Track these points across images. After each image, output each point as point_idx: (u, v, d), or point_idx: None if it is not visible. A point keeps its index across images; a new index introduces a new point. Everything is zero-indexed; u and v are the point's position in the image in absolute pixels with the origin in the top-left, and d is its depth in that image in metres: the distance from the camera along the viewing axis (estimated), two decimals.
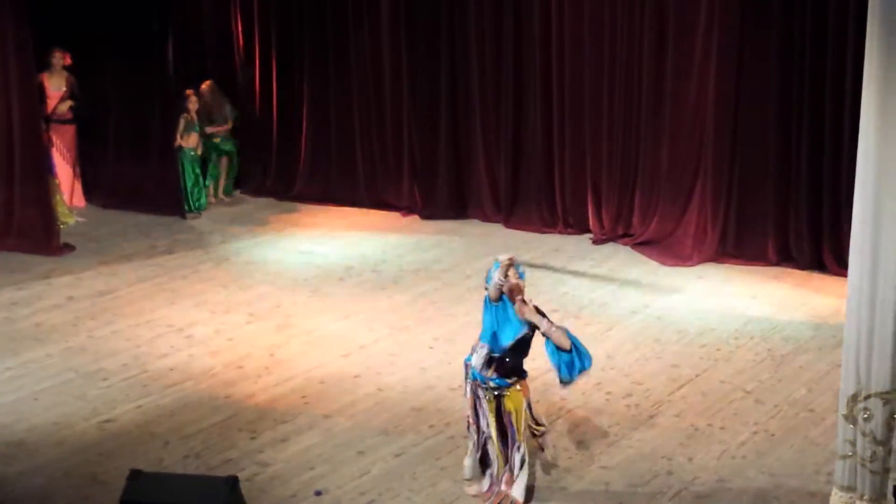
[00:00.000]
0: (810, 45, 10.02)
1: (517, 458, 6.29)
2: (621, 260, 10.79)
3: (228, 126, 12.97)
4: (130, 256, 10.93)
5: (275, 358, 8.46)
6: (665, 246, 10.89)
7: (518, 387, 6.25)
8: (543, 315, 6.22)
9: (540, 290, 9.89)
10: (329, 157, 12.93)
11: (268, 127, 13.25)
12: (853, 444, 5.88)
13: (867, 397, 5.79)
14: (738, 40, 10.40)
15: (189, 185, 12.45)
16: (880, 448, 5.81)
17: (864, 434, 5.82)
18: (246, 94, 13.25)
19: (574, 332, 8.75)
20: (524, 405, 6.26)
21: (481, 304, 9.58)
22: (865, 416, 5.80)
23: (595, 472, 6.80)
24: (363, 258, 10.85)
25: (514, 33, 11.61)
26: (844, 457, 5.95)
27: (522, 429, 6.25)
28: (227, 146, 12.96)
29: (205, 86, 12.81)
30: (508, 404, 6.24)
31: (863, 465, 5.86)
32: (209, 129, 12.75)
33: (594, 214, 11.48)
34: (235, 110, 13.02)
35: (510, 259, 6.19)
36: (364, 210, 12.50)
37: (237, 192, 13.18)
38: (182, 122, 12.44)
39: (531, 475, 6.49)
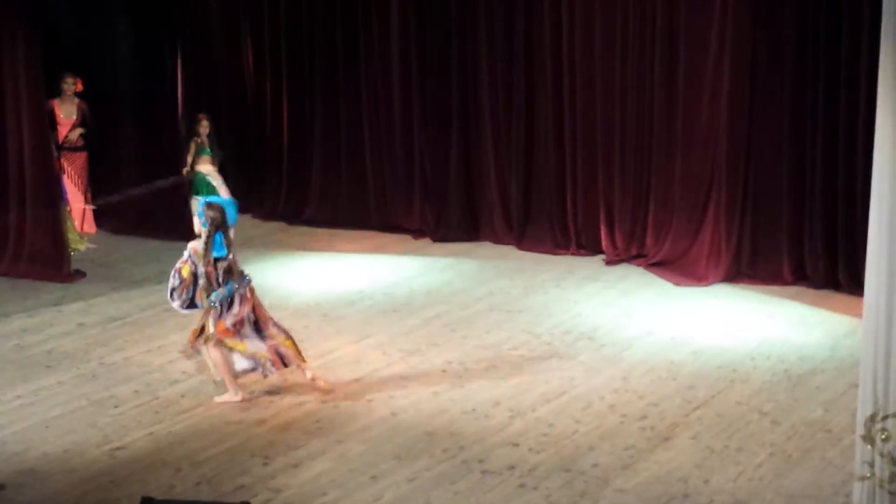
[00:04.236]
0: (823, 60, 9.97)
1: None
2: (635, 280, 10.73)
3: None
4: (141, 282, 10.91)
5: (287, 382, 8.41)
6: (679, 266, 10.83)
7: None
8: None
9: (551, 313, 9.86)
10: (339, 182, 12.93)
11: (278, 152, 13.26)
12: (871, 465, 5.81)
13: (885, 418, 5.72)
14: (751, 55, 10.35)
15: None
16: None
17: (882, 455, 5.75)
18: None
19: (589, 354, 8.82)
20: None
21: (493, 326, 9.60)
22: (883, 436, 5.73)
23: (610, 496, 6.73)
24: (374, 281, 10.82)
25: (525, 54, 11.60)
26: (862, 478, 5.88)
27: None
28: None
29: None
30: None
31: (881, 487, 5.79)
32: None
33: (607, 234, 11.43)
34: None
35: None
36: (375, 233, 12.48)
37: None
38: (193, 147, 12.42)
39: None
